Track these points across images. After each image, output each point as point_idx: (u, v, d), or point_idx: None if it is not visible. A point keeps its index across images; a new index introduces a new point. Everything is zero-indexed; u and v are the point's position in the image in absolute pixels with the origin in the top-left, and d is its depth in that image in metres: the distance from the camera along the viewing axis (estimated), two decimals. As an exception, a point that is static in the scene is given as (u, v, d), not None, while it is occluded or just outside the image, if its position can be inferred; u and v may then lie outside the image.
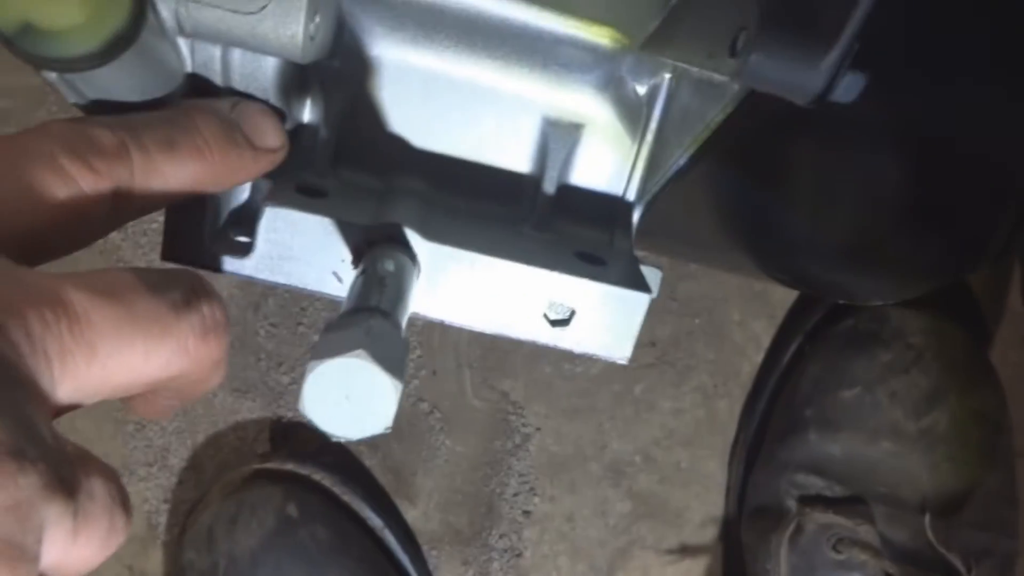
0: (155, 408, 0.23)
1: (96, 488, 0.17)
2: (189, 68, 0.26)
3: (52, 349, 0.17)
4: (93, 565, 0.18)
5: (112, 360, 0.18)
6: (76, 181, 0.20)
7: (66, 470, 0.16)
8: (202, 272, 0.23)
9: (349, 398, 0.20)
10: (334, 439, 0.20)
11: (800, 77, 0.18)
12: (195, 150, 0.23)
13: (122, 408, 0.54)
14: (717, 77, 0.24)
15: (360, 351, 0.20)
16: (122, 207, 0.21)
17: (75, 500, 0.16)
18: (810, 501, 0.47)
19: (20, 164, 0.19)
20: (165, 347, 0.19)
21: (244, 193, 0.29)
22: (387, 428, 0.21)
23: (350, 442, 0.54)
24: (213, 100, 0.25)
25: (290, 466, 0.50)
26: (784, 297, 0.54)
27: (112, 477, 0.18)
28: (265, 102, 0.27)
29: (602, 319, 0.28)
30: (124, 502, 0.18)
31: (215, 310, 0.21)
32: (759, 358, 0.54)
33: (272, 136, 0.25)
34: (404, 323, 0.24)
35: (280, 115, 0.27)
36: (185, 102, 0.24)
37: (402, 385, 0.20)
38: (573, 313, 0.28)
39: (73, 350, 0.17)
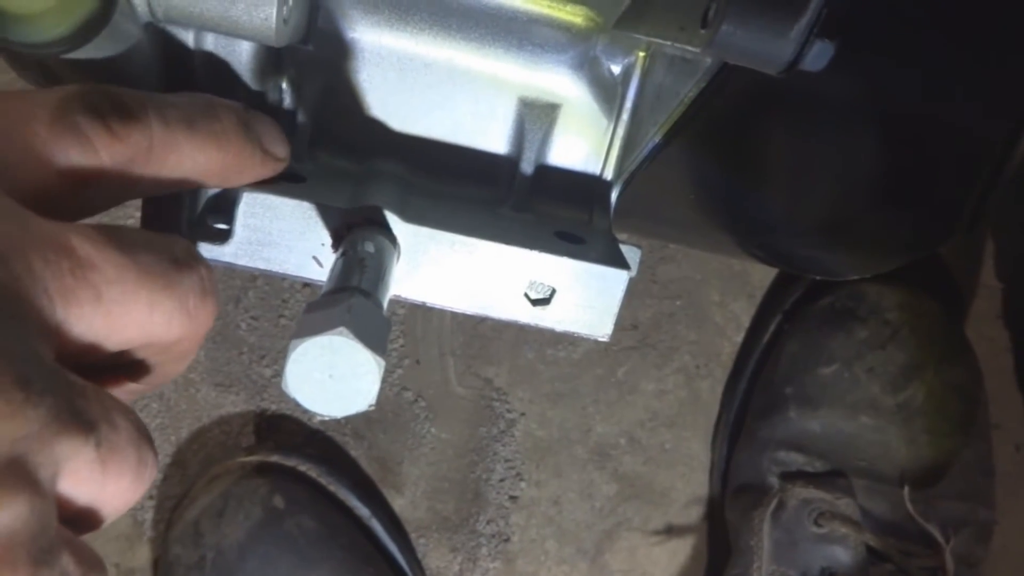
0: (121, 393, 0.23)
1: (118, 420, 0.17)
2: (162, 53, 0.25)
3: (54, 286, 0.17)
4: (130, 502, 0.18)
5: (117, 307, 0.18)
6: (92, 142, 0.19)
7: (80, 403, 0.16)
8: None
9: (332, 376, 0.20)
10: (318, 418, 0.21)
11: (770, 45, 0.19)
12: (214, 136, 0.22)
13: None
14: (690, 52, 0.24)
15: (342, 328, 0.20)
16: (135, 177, 0.21)
17: (95, 432, 0.16)
18: (791, 477, 0.48)
19: (36, 116, 0.19)
20: (169, 302, 0.19)
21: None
22: (371, 405, 0.21)
23: (335, 423, 0.54)
24: (229, 100, 0.25)
25: (275, 458, 0.50)
26: (763, 277, 0.54)
27: (131, 413, 0.18)
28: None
29: (583, 297, 0.28)
30: (148, 437, 0.18)
31: (210, 274, 0.21)
32: (739, 338, 0.55)
33: (280, 144, 0.25)
34: (385, 303, 0.24)
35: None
36: (204, 95, 0.24)
37: (384, 362, 0.20)
38: (554, 292, 0.29)
39: (77, 291, 0.17)
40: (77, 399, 0.16)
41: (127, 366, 0.22)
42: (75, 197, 0.20)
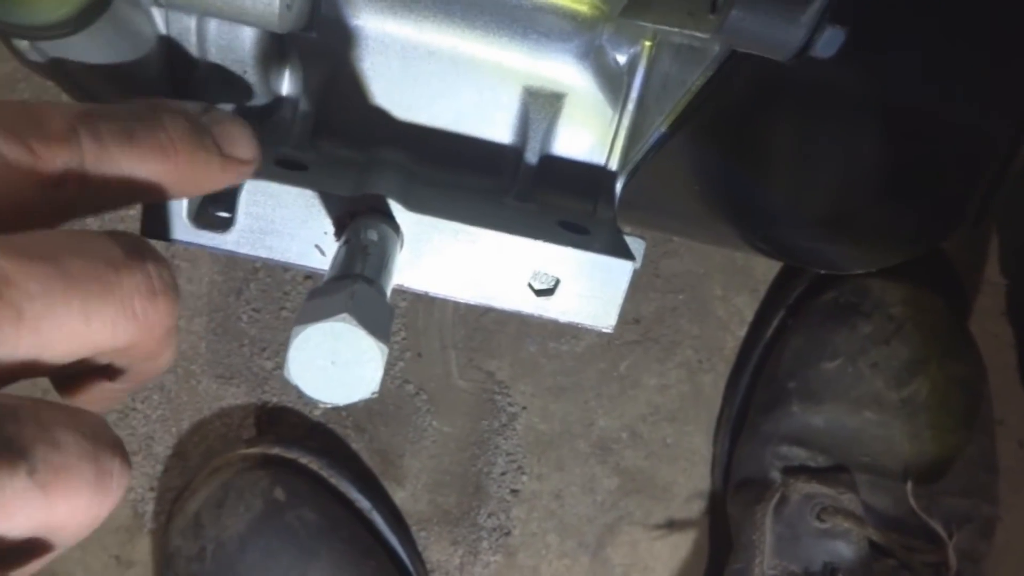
0: (100, 396, 0.22)
1: (61, 436, 0.16)
2: (164, 40, 0.25)
3: None
4: (98, 516, 0.17)
5: (45, 323, 0.17)
6: (7, 162, 0.18)
7: (6, 429, 0.15)
8: (185, 249, 0.22)
9: (335, 363, 0.20)
10: (320, 405, 0.20)
11: (781, 31, 0.18)
12: (157, 146, 0.21)
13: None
14: (698, 39, 0.24)
15: (345, 315, 0.20)
16: (72, 198, 0.19)
17: (27, 458, 0.15)
18: (794, 472, 0.48)
19: None
20: (108, 307, 0.18)
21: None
22: (373, 393, 0.20)
23: (336, 416, 0.53)
24: (183, 101, 0.23)
25: (276, 451, 0.50)
26: (766, 271, 0.54)
27: (83, 424, 0.17)
28: (237, 115, 0.25)
29: (587, 287, 0.28)
30: (110, 443, 0.17)
31: (161, 270, 0.19)
32: (742, 332, 0.55)
33: (243, 147, 0.23)
34: (388, 292, 0.24)
35: (253, 130, 0.25)
36: (152, 99, 0.23)
37: (388, 349, 0.20)
38: (558, 282, 0.28)
39: None
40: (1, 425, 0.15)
41: (95, 370, 0.20)
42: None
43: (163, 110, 0.21)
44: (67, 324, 0.17)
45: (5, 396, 0.16)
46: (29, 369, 0.17)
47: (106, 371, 0.21)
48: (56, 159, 0.19)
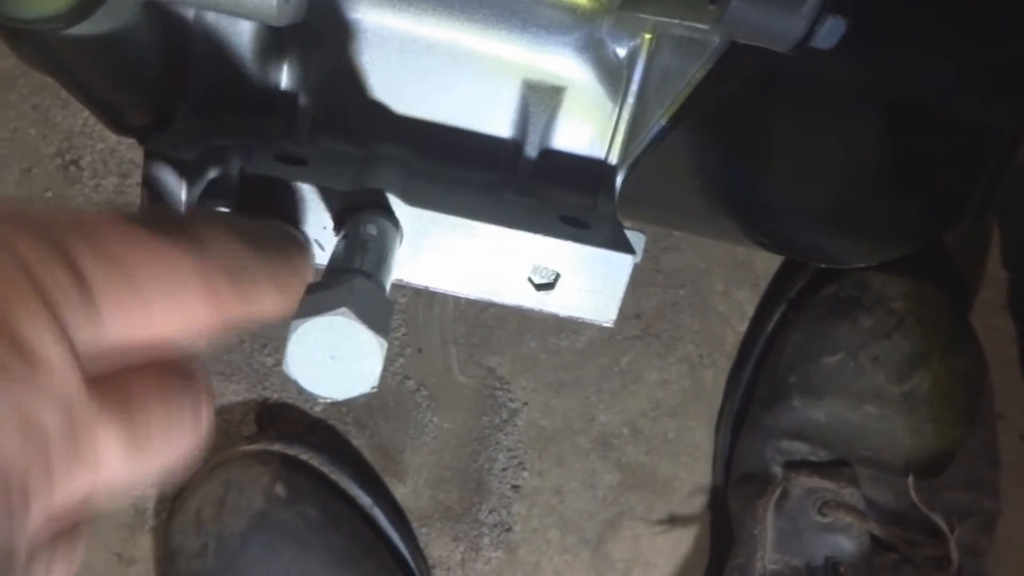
0: None
1: (152, 404, 0.17)
2: (162, 33, 0.25)
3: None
4: (191, 447, 0.18)
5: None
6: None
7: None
8: None
9: (334, 357, 0.20)
10: (320, 400, 0.20)
11: (781, 21, 0.18)
12: (207, 291, 0.18)
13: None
14: (697, 31, 0.24)
15: (344, 309, 0.19)
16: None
17: (128, 424, 0.17)
18: (795, 466, 0.47)
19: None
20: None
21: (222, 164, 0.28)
22: (373, 387, 0.20)
23: (337, 412, 0.53)
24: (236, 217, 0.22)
25: (277, 447, 0.50)
26: (767, 266, 0.54)
27: (169, 387, 0.18)
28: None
29: (587, 282, 0.28)
30: (195, 398, 0.18)
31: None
32: (743, 327, 0.54)
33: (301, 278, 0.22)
34: (388, 286, 0.24)
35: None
36: (200, 214, 0.22)
37: (387, 343, 0.20)
38: (558, 277, 0.28)
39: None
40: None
41: None
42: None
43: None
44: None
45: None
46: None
47: None
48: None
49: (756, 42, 0.20)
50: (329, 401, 0.20)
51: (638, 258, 0.29)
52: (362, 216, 0.26)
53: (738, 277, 0.54)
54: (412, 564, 0.52)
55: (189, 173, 0.27)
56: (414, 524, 0.55)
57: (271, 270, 0.21)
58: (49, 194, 0.50)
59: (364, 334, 0.20)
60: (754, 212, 0.34)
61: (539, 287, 0.28)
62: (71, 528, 0.17)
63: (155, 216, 0.19)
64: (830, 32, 0.19)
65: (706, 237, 0.49)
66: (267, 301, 0.20)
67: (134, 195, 0.51)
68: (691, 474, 0.56)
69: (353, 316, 0.19)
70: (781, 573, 0.46)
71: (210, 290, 0.18)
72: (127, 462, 0.17)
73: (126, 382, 0.17)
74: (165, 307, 0.18)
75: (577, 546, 0.56)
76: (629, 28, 0.29)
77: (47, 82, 0.47)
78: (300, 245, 0.23)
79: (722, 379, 0.55)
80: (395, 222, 0.26)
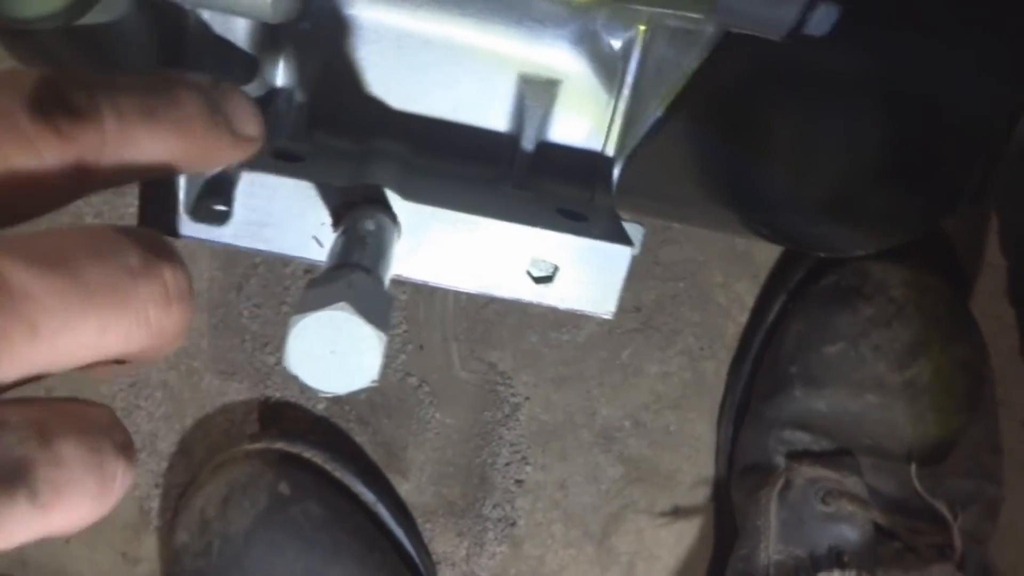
0: (104, 373, 0.21)
1: (64, 449, 0.16)
2: (156, 29, 0.25)
3: None
4: (98, 516, 0.16)
5: (60, 338, 0.16)
6: (36, 147, 0.17)
7: (6, 446, 0.15)
8: (184, 244, 0.22)
9: (334, 352, 0.20)
10: (321, 395, 0.20)
11: (774, 9, 0.18)
12: (176, 124, 0.20)
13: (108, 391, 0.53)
14: (691, 21, 0.24)
15: (343, 303, 0.19)
16: (88, 176, 0.19)
17: (27, 483, 0.15)
18: (798, 456, 0.48)
19: None
20: (123, 319, 0.17)
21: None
22: (373, 381, 0.20)
23: (339, 409, 0.54)
24: (195, 75, 0.23)
25: (280, 445, 0.50)
26: (767, 257, 0.54)
27: (90, 423, 0.16)
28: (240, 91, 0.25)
29: (586, 274, 0.28)
30: (116, 445, 0.17)
31: (178, 274, 0.18)
32: (744, 318, 0.54)
33: (253, 124, 0.22)
34: (387, 281, 0.24)
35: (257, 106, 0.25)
36: (166, 72, 0.23)
37: (387, 337, 0.20)
38: (556, 269, 0.28)
39: (8, 329, 0.15)
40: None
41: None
42: (17, 202, 0.18)
43: (179, 85, 0.20)
44: (82, 337, 0.16)
45: (9, 407, 0.15)
46: (37, 377, 0.16)
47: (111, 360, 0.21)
48: (80, 139, 0.18)
49: (749, 31, 0.20)
50: (330, 396, 0.20)
51: (636, 250, 0.29)
52: (360, 212, 0.26)
53: (737, 269, 0.54)
54: (417, 560, 0.52)
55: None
56: (418, 520, 0.55)
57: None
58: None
59: (363, 328, 0.20)
60: (752, 202, 0.35)
61: (538, 280, 0.28)
62: None
63: None
64: (822, 19, 0.19)
65: (705, 228, 0.49)
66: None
67: (132, 195, 0.51)
68: (694, 466, 0.56)
69: (352, 310, 0.19)
70: (785, 563, 0.46)
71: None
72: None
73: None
74: None
75: (581, 540, 0.56)
76: (624, 20, 0.29)
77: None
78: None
79: (723, 371, 0.55)
80: (393, 217, 0.26)
